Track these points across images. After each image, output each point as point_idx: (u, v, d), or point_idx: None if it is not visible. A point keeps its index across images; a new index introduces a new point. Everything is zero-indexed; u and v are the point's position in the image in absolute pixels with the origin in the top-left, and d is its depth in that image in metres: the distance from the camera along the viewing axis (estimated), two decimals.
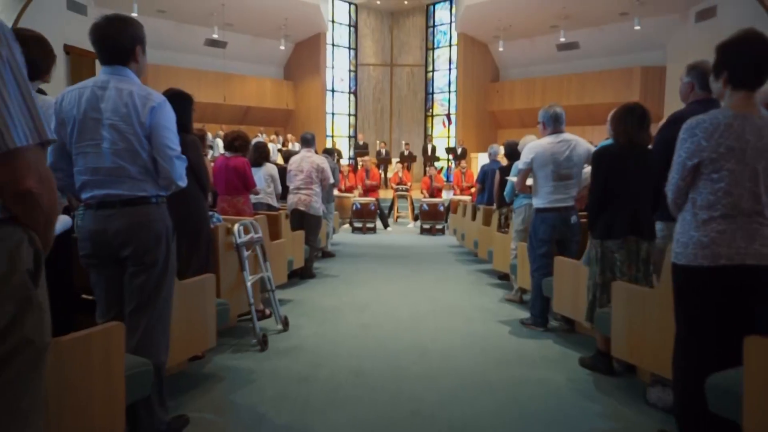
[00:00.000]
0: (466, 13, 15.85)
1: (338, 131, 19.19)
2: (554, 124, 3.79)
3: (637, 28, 13.82)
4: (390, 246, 8.74)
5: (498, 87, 18.22)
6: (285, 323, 3.88)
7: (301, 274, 5.78)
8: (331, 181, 5.77)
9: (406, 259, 7.43)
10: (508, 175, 5.41)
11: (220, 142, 13.22)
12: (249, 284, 3.42)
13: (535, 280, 3.83)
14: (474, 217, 7.39)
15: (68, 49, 12.36)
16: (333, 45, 18.51)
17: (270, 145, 15.40)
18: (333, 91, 18.78)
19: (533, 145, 3.79)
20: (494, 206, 6.02)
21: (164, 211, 2.18)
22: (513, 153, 5.68)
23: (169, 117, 2.13)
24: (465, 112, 17.78)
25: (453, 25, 18.13)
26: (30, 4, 10.69)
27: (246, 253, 3.50)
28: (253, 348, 3.48)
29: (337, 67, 18.85)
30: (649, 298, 2.54)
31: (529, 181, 3.89)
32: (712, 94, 2.92)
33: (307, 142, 5.78)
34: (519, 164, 3.84)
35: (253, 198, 5.48)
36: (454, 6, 17.92)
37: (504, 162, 7.63)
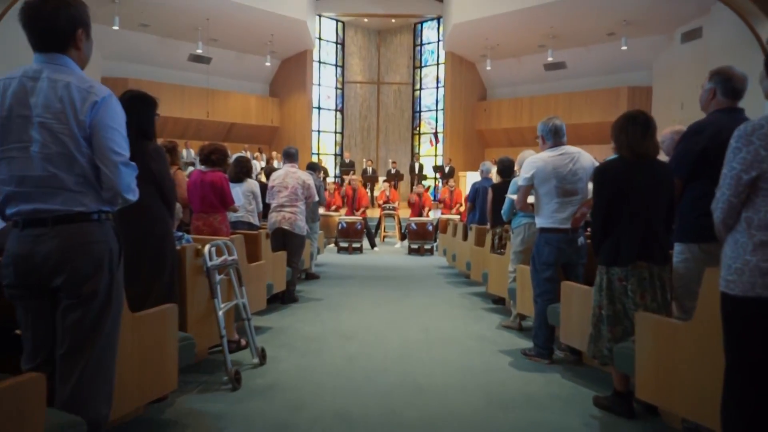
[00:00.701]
0: (454, 31, 15.80)
1: (324, 149, 18.90)
2: (554, 137, 3.49)
3: (624, 48, 13.85)
4: (377, 267, 8.36)
5: (485, 106, 18.16)
6: (262, 356, 3.47)
7: (282, 298, 5.37)
8: (317, 199, 5.40)
9: (394, 281, 7.06)
10: (500, 192, 5.12)
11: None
12: (220, 313, 3.02)
13: (539, 307, 3.48)
14: (465, 237, 7.07)
15: None
16: (320, 62, 18.33)
17: (254, 162, 15.10)
18: (319, 108, 18.54)
19: (534, 160, 3.48)
20: (488, 225, 5.70)
21: (108, 231, 1.79)
22: (506, 170, 5.41)
23: (115, 115, 1.75)
24: (452, 130, 17.63)
25: (440, 43, 18.10)
26: (6, 14, 10.28)
27: (218, 278, 3.10)
28: (225, 387, 3.06)
29: (324, 84, 18.64)
30: (682, 333, 2.20)
31: (531, 199, 3.57)
32: (735, 103, 2.65)
33: (290, 156, 5.42)
34: (519, 180, 3.52)
35: (232, 216, 5.10)
36: (441, 25, 17.89)
37: (495, 179, 7.37)
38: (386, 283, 6.83)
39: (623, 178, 2.57)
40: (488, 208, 5.42)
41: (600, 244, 2.62)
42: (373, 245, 10.52)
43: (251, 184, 5.33)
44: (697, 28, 12.96)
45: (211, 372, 3.29)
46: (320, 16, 17.79)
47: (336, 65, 18.95)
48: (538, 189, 3.43)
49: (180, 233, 3.20)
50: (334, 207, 10.88)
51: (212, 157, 4.57)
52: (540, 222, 3.46)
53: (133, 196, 1.81)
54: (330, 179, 15.66)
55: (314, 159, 17.14)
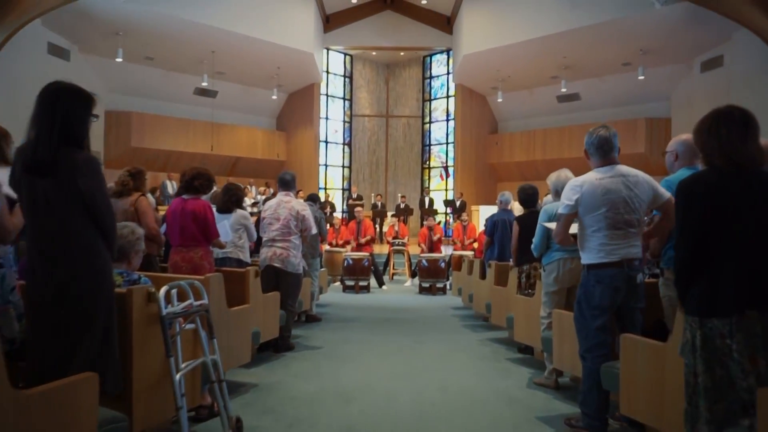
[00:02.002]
0: (464, 63, 15.46)
1: (331, 183, 18.40)
2: (602, 152, 2.78)
3: (641, 78, 13.36)
4: (386, 308, 7.62)
5: (497, 139, 17.66)
6: (236, 429, 2.74)
7: (275, 346, 4.66)
8: (313, 231, 4.74)
9: (404, 324, 6.31)
10: (528, 225, 4.43)
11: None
12: (177, 377, 2.33)
13: (588, 366, 2.73)
14: (483, 275, 6.35)
15: None
16: (327, 95, 18.06)
17: (259, 197, 14.58)
18: (326, 142, 18.16)
19: (579, 182, 2.78)
20: (511, 262, 5.00)
21: None
22: (530, 199, 4.75)
23: None
24: (463, 164, 17.10)
25: (450, 76, 17.78)
26: (6, 45, 10.01)
27: (180, 329, 2.43)
28: None
29: (332, 117, 18.32)
30: None
31: (572, 229, 2.88)
32: None
33: (285, 184, 4.79)
34: (560, 207, 2.82)
35: (219, 252, 4.46)
36: (451, 57, 17.62)
37: (517, 211, 6.70)
38: (395, 327, 6.10)
39: (719, 196, 1.87)
40: (513, 244, 4.73)
41: (687, 287, 1.91)
42: (381, 283, 9.80)
43: (242, 215, 4.71)
44: (717, 57, 12.48)
45: None
46: (328, 49, 17.62)
47: (344, 98, 18.67)
48: (583, 218, 2.74)
49: (136, 275, 2.54)
50: (341, 242, 10.24)
51: (195, 183, 3.97)
52: (587, 258, 2.76)
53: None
54: (337, 214, 15.09)
55: (321, 194, 16.64)
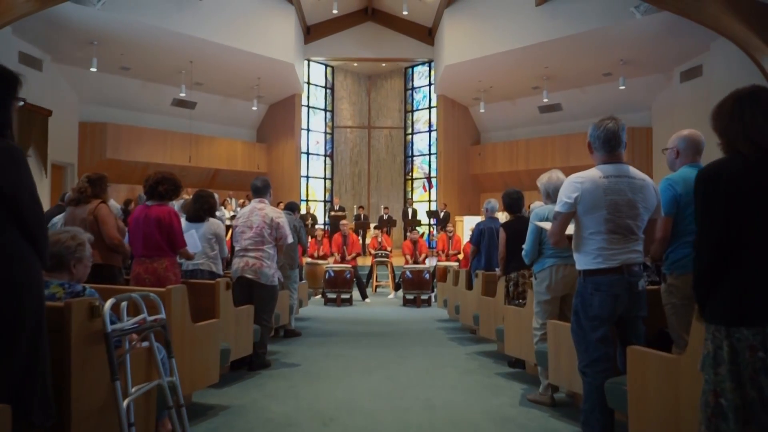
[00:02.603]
0: (446, 73, 15.39)
1: (313, 195, 18.11)
2: (609, 147, 2.49)
3: (622, 88, 13.42)
4: (369, 321, 7.33)
5: (480, 150, 17.59)
6: None
7: (250, 364, 4.33)
8: (289, 240, 4.43)
9: (388, 338, 6.03)
10: (516, 231, 4.22)
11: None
12: (125, 403, 2.02)
13: (590, 383, 2.48)
14: (469, 286, 6.12)
15: None
16: (308, 107, 17.83)
17: (239, 210, 14.19)
18: (308, 153, 17.89)
19: (579, 179, 2.49)
20: (498, 271, 4.76)
21: None
22: (515, 203, 4.55)
23: None
24: (446, 175, 16.96)
25: (432, 87, 17.72)
26: None
27: (129, 347, 2.13)
28: None
29: (313, 129, 18.08)
30: None
31: (568, 230, 2.64)
32: None
33: (257, 190, 4.49)
34: (557, 205, 2.58)
35: (189, 264, 4.16)
36: (432, 69, 17.57)
37: (502, 218, 6.50)
38: (379, 341, 5.81)
39: (746, 186, 1.64)
40: (501, 251, 4.50)
41: (709, 292, 1.68)
42: (364, 296, 9.50)
43: (214, 224, 4.40)
44: (696, 66, 12.60)
45: None
46: (309, 60, 17.44)
47: (325, 110, 18.46)
48: (582, 218, 2.50)
49: (80, 287, 2.23)
50: (322, 254, 9.94)
51: (159, 188, 3.69)
52: (583, 262, 2.51)
53: None
54: (319, 225, 14.78)
55: (303, 206, 16.32)
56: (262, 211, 4.35)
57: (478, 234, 6.05)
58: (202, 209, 4.35)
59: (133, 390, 2.09)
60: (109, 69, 13.38)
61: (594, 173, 2.50)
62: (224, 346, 3.39)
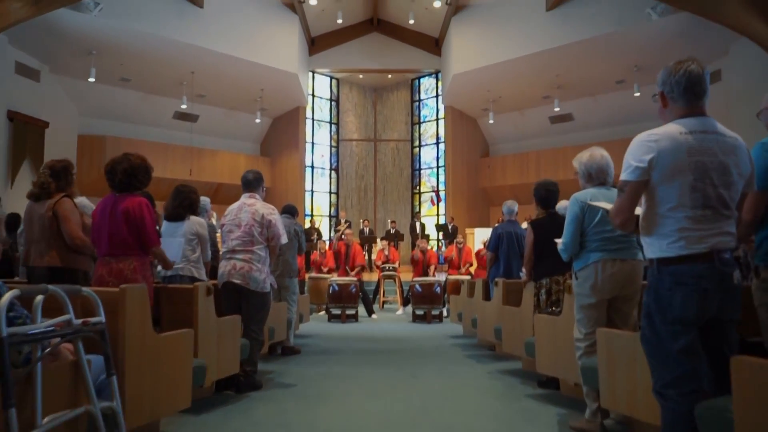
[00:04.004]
0: (453, 83, 14.96)
1: (318, 210, 17.58)
2: (691, 95, 1.89)
3: (637, 95, 12.90)
4: (376, 338, 6.70)
5: (489, 162, 17.07)
6: None
7: (237, 385, 3.72)
8: (283, 240, 3.83)
9: (397, 356, 5.40)
10: (547, 229, 3.63)
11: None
12: None
13: (673, 408, 1.80)
14: (487, 296, 5.50)
15: (12, 115, 10.92)
16: (313, 120, 17.42)
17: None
18: (313, 167, 17.42)
19: (653, 136, 1.87)
20: (523, 276, 4.16)
21: None
22: (551, 196, 3.95)
23: None
24: (455, 188, 16.40)
25: (439, 98, 17.29)
26: None
27: (39, 357, 1.55)
28: None
29: (318, 142, 17.64)
30: None
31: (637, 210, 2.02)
32: None
33: (248, 184, 3.94)
34: (624, 172, 1.91)
35: (167, 270, 3.58)
36: (439, 80, 17.16)
37: (521, 222, 5.91)
38: (387, 360, 5.18)
39: None
40: (527, 253, 3.90)
41: None
42: (370, 312, 8.88)
43: (196, 223, 3.86)
44: (715, 71, 12.08)
45: None
46: (313, 72, 17.09)
47: (330, 122, 18.05)
48: (657, 188, 1.87)
49: None
50: (326, 269, 9.37)
51: (131, 178, 3.12)
52: (656, 249, 1.88)
53: None
54: (324, 238, 14.24)
55: (307, 220, 15.79)
56: (251, 207, 3.78)
57: (495, 239, 5.46)
58: (181, 206, 3.81)
59: (45, 421, 1.50)
60: (108, 80, 13.06)
61: (672, 128, 1.90)
62: (198, 362, 2.79)
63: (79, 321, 1.68)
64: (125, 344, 2.17)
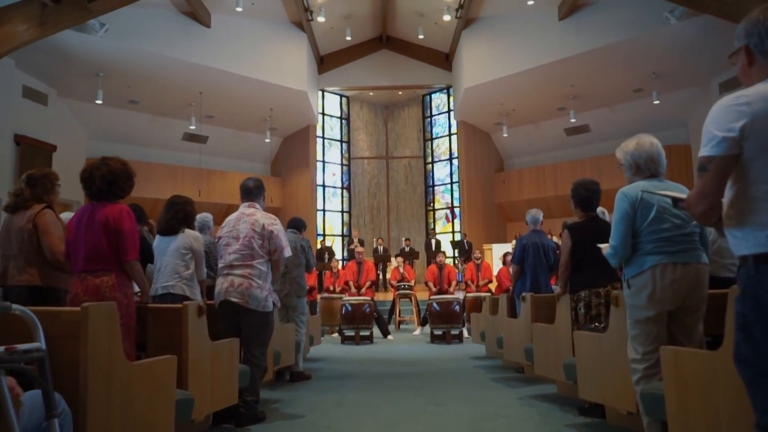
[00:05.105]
0: (465, 97, 14.65)
1: (330, 229, 17.24)
2: None
3: (656, 102, 12.47)
4: (392, 360, 6.24)
5: (504, 177, 16.65)
6: None
7: (237, 417, 3.30)
8: (286, 253, 3.40)
9: (416, 380, 4.93)
10: (590, 234, 3.21)
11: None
12: None
13: None
14: (512, 312, 5.04)
15: (19, 139, 10.81)
16: (323, 138, 17.21)
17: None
18: (324, 186, 17.14)
19: (741, 98, 1.50)
20: (558, 289, 3.71)
21: None
22: (592, 198, 3.53)
23: None
24: (470, 204, 15.96)
25: (451, 114, 16.99)
26: None
27: None
28: None
29: (329, 161, 17.39)
30: None
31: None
32: None
33: (248, 192, 3.55)
34: (704, 146, 1.52)
35: (158, 287, 3.22)
36: (451, 95, 16.89)
37: (552, 235, 5.47)
38: (405, 384, 4.72)
39: None
40: (563, 262, 3.47)
41: None
42: (385, 333, 8.42)
43: (191, 237, 3.50)
44: (736, 76, 11.58)
45: None
46: (323, 91, 16.94)
47: (341, 141, 17.82)
48: (750, 165, 1.47)
49: None
50: (339, 288, 8.97)
51: (112, 186, 2.77)
52: (751, 242, 1.45)
53: None
54: (337, 257, 13.85)
55: (318, 240, 15.44)
56: (251, 217, 3.39)
57: (521, 250, 5.03)
58: (175, 218, 3.45)
59: None
60: (116, 103, 12.98)
61: (762, 88, 1.51)
62: (183, 395, 2.38)
63: (7, 349, 1.30)
64: (87, 375, 1.78)
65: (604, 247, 2.57)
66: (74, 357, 1.81)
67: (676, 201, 1.77)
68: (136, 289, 2.78)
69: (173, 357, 2.23)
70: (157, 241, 3.51)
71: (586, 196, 3.51)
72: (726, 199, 1.54)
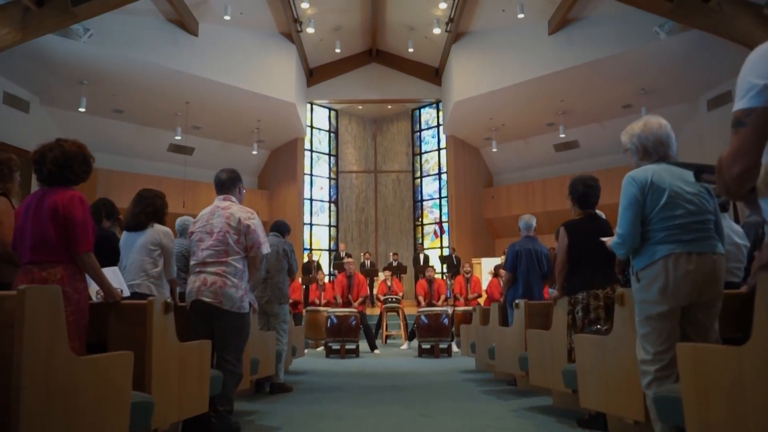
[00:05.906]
0: (455, 111, 14.60)
1: (317, 244, 16.95)
2: None
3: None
4: (379, 374, 5.96)
5: (493, 192, 16.55)
6: None
7: (208, 427, 3.00)
8: (264, 249, 3.12)
9: (404, 393, 4.66)
10: (589, 232, 3.03)
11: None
12: None
13: None
14: (504, 321, 4.82)
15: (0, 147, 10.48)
16: (312, 151, 17.03)
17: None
18: (311, 200, 16.90)
19: None
20: (555, 292, 3.50)
21: None
22: (591, 195, 3.35)
23: None
24: (458, 220, 15.81)
25: (440, 128, 16.94)
26: None
27: None
28: None
29: (316, 174, 17.19)
30: None
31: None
32: None
33: (221, 185, 3.27)
34: (740, 99, 1.27)
35: (125, 285, 2.95)
36: (440, 110, 16.86)
37: (543, 240, 5.30)
38: (392, 397, 4.45)
39: None
40: (559, 262, 3.27)
41: None
42: (372, 347, 8.13)
43: (160, 232, 3.24)
44: (725, 93, 11.72)
45: None
46: (312, 104, 16.81)
47: (329, 154, 17.65)
48: None
49: None
50: (325, 302, 8.69)
51: (65, 170, 2.51)
52: None
53: None
54: (324, 271, 13.56)
55: (305, 255, 15.13)
56: (226, 210, 3.14)
57: (513, 257, 4.84)
58: (143, 213, 3.20)
59: None
60: (101, 112, 12.72)
61: None
62: (141, 397, 2.11)
63: None
64: (22, 373, 1.52)
65: (608, 240, 2.37)
66: (9, 350, 1.55)
67: (700, 171, 1.58)
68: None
69: (129, 353, 1.96)
70: (124, 237, 3.26)
71: (585, 192, 3.33)
72: (766, 161, 1.34)
